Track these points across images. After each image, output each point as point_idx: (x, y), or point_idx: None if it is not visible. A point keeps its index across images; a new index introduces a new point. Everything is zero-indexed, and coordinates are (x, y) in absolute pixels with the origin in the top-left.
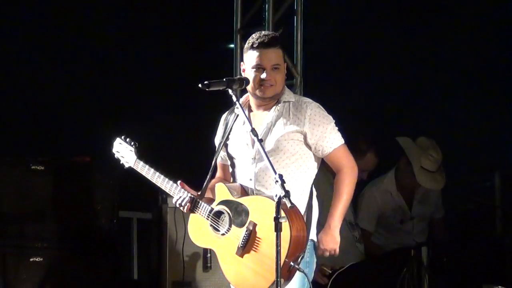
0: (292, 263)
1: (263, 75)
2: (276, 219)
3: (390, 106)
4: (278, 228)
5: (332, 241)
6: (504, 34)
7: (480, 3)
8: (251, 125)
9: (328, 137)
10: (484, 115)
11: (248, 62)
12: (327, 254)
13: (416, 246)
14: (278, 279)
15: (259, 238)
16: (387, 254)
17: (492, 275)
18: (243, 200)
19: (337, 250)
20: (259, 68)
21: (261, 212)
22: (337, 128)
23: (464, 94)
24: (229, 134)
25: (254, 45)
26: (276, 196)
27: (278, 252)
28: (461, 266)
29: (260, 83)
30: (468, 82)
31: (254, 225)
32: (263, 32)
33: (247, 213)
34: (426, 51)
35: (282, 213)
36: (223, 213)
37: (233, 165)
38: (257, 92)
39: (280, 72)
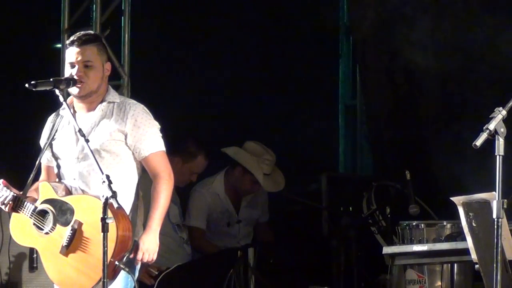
0: (117, 263)
1: (74, 71)
2: (103, 220)
3: (219, 109)
4: (105, 229)
5: (153, 242)
6: (330, 41)
7: (310, 13)
8: (77, 125)
9: (148, 140)
10: (311, 119)
11: (66, 61)
12: (147, 256)
13: (242, 247)
14: (105, 280)
15: (84, 237)
16: (213, 255)
17: (318, 276)
18: (68, 199)
19: (156, 253)
20: (71, 65)
21: (86, 211)
22: (160, 135)
23: (292, 98)
24: (54, 135)
25: (68, 44)
26: (103, 196)
27: (104, 253)
28: (287, 267)
29: None
30: (297, 87)
31: (79, 224)
32: (80, 32)
33: (72, 212)
34: (258, 54)
35: (109, 214)
36: (47, 212)
37: (58, 166)
38: (72, 90)
39: (93, 70)
